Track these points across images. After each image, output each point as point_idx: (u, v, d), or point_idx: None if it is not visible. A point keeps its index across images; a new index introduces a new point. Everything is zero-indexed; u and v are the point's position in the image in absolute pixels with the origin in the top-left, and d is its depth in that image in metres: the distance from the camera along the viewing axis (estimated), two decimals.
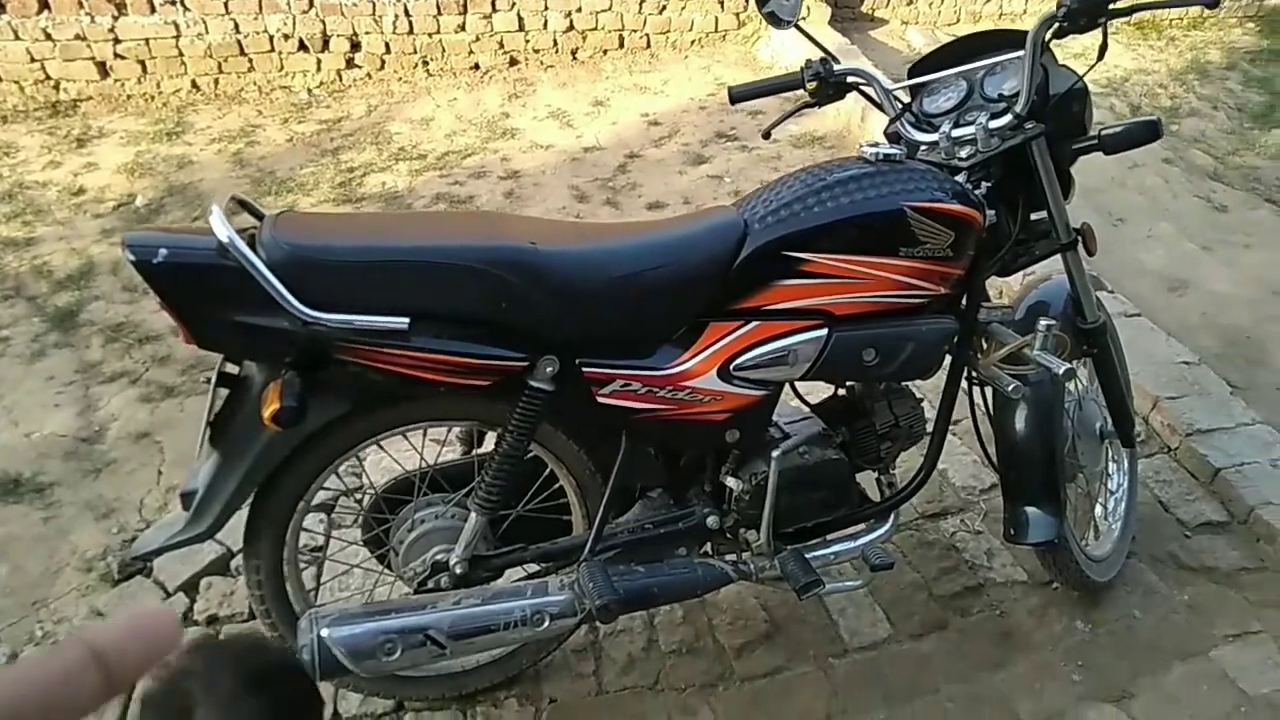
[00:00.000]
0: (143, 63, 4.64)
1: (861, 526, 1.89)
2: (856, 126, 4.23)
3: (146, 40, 4.58)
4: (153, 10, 4.54)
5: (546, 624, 1.58)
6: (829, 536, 1.86)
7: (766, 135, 2.06)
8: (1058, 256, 1.89)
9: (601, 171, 4.20)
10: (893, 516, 1.90)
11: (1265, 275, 3.49)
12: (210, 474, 1.52)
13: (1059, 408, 1.91)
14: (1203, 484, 2.46)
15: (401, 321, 1.38)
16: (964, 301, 1.76)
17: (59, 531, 2.39)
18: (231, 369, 1.54)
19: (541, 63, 5.18)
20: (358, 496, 1.83)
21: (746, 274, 1.58)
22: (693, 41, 5.37)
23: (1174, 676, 2.00)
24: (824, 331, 1.63)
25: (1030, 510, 1.90)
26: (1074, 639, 2.08)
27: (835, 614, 2.11)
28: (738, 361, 1.60)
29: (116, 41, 4.54)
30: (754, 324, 1.60)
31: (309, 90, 4.89)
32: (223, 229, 1.34)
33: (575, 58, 5.21)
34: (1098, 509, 2.25)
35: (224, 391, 1.52)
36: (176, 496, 2.51)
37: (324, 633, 1.47)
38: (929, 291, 1.66)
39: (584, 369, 1.54)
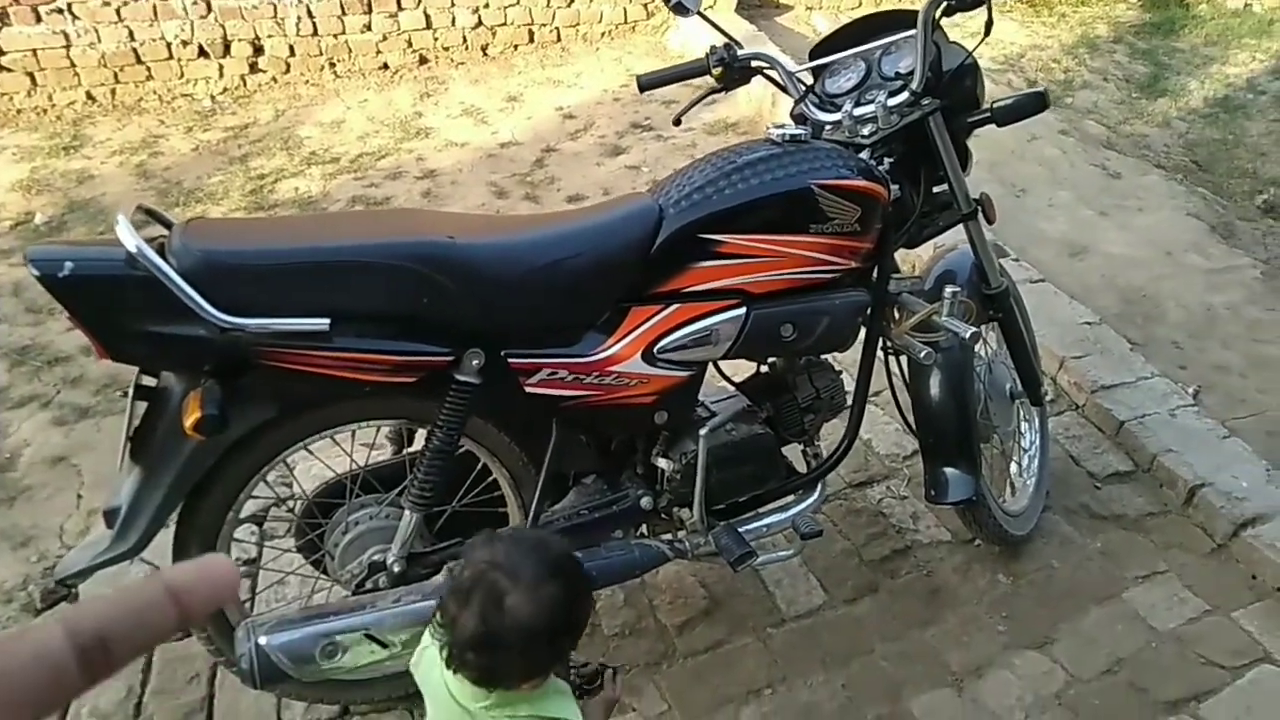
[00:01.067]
0: (31, 74, 4.45)
1: (791, 498, 1.94)
2: (768, 111, 4.31)
3: (34, 51, 4.40)
4: (38, 19, 4.36)
5: None
6: (760, 510, 1.92)
7: (677, 122, 2.10)
8: (962, 227, 1.97)
9: (519, 167, 4.19)
10: (820, 486, 1.96)
11: (1157, 236, 3.67)
12: (133, 489, 1.49)
13: (970, 371, 1.99)
14: (1109, 437, 2.59)
15: (322, 323, 1.38)
16: (875, 275, 1.82)
17: None
18: (149, 381, 1.51)
19: (452, 60, 5.14)
20: (289, 505, 1.81)
21: (664, 258, 1.61)
22: (603, 34, 5.38)
23: (1091, 619, 2.11)
24: (742, 310, 1.67)
25: (948, 471, 1.98)
26: (997, 592, 2.18)
27: (771, 586, 2.16)
28: (661, 344, 1.64)
29: (0, 53, 4.35)
30: (674, 306, 1.64)
31: (212, 97, 4.76)
32: (130, 238, 1.32)
33: (486, 54, 5.18)
34: (1013, 467, 2.35)
35: (142, 405, 1.49)
36: (99, 518, 2.48)
37: (262, 640, 1.46)
38: (840, 266, 1.72)
39: (510, 360, 1.55)
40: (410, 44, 5.01)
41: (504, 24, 5.15)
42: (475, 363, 1.52)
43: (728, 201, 1.62)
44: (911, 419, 2.05)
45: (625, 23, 5.42)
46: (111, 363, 1.39)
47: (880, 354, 1.93)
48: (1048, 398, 2.45)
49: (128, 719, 1.88)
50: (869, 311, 1.82)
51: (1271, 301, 3.29)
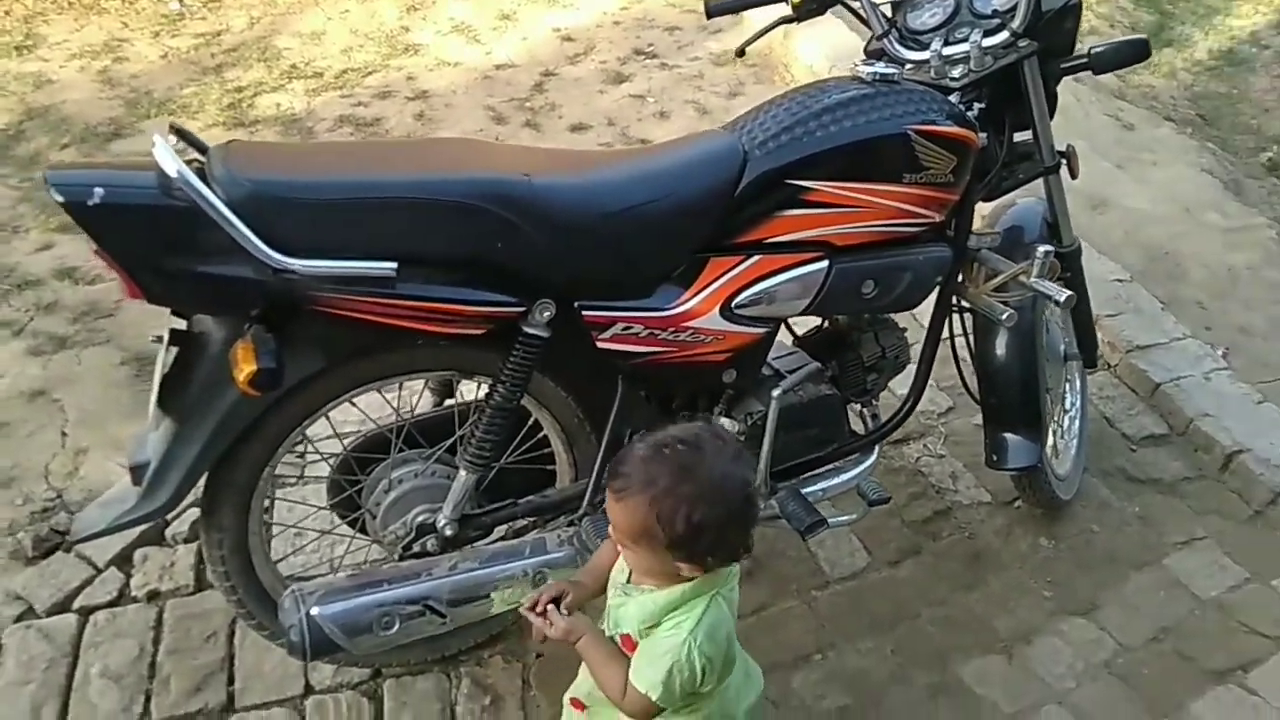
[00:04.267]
0: None
1: (844, 461, 1.85)
2: (779, 45, 4.12)
3: None
4: None
5: (550, 582, 1.49)
6: (815, 473, 1.82)
7: (741, 53, 1.94)
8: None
9: (517, 91, 3.96)
10: (876, 449, 1.87)
11: (1174, 192, 3.61)
12: (164, 443, 1.35)
13: (1039, 335, 1.91)
14: (1143, 399, 2.55)
15: (389, 267, 1.23)
16: (952, 229, 1.71)
17: None
18: (179, 323, 1.35)
19: None
20: (321, 456, 1.66)
21: (748, 205, 1.48)
22: None
23: (1133, 585, 2.09)
24: (824, 264, 1.56)
25: (1011, 436, 1.91)
26: (1040, 556, 2.14)
27: (814, 547, 2.09)
28: (740, 298, 1.52)
29: None
30: (756, 258, 1.52)
31: (180, 0, 4.41)
32: (170, 162, 1.15)
33: None
34: (1053, 428, 2.29)
35: (174, 350, 1.33)
36: (85, 460, 2.30)
37: (314, 610, 1.34)
38: (926, 219, 1.61)
39: (583, 313, 1.42)
40: None
41: None
42: (545, 315, 1.39)
43: (819, 145, 1.49)
44: (971, 381, 1.97)
45: None
46: (146, 303, 1.23)
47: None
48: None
49: (141, 679, 1.75)
50: (946, 270, 1.71)
51: None
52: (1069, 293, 1.61)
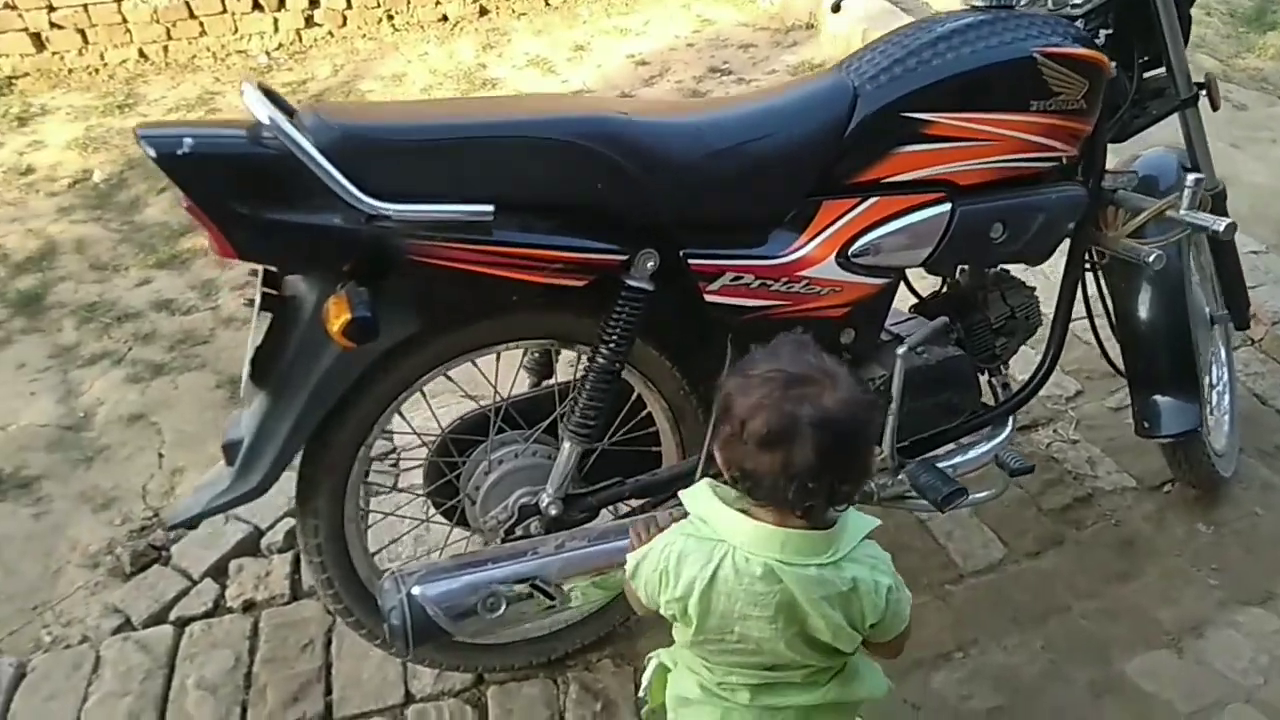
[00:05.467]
0: (82, 32, 4.26)
1: (976, 435, 1.69)
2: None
3: (85, 7, 4.21)
4: None
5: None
6: (946, 449, 1.66)
7: (836, 8, 1.84)
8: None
9: None
10: (1011, 421, 1.71)
11: None
12: (258, 417, 1.28)
13: (1187, 283, 1.72)
14: None
15: (486, 210, 1.14)
16: (1081, 170, 1.56)
17: (53, 528, 2.12)
18: (273, 291, 1.29)
19: (513, 10, 4.89)
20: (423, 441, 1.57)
21: (861, 141, 1.37)
22: None
23: None
24: (948, 206, 1.43)
25: (1163, 400, 1.72)
26: (1200, 542, 1.92)
27: (942, 538, 1.91)
28: (857, 245, 1.39)
29: (51, 10, 4.16)
30: (873, 200, 1.39)
31: (267, 53, 4.55)
32: (261, 108, 1.10)
33: (548, 4, 4.92)
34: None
35: (267, 318, 1.27)
36: (182, 479, 2.28)
37: (415, 591, 1.24)
38: (1059, 152, 1.47)
39: (690, 261, 1.31)
40: None
41: None
42: (650, 264, 1.29)
43: (936, 74, 1.37)
44: (1109, 347, 1.79)
45: None
46: (238, 261, 1.18)
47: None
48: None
49: (237, 689, 1.67)
50: (1082, 213, 1.56)
51: None
52: (1229, 220, 1.44)
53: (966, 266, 1.64)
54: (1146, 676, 1.66)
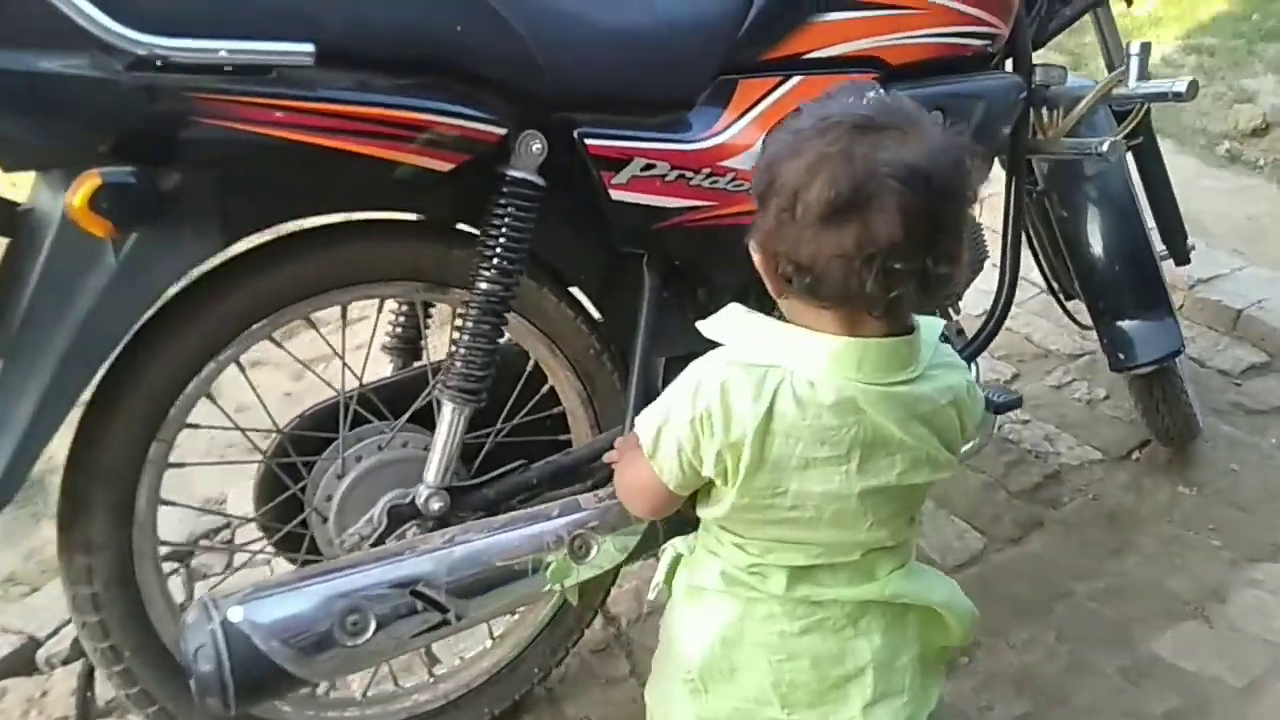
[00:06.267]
0: None
1: None
2: None
3: None
4: None
5: (593, 554, 1.00)
6: None
7: None
8: None
9: None
10: (973, 366, 1.45)
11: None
12: None
13: (1132, 185, 1.56)
14: (1225, 331, 2.20)
15: (304, 48, 0.82)
16: (1012, 65, 1.39)
17: None
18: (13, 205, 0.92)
19: None
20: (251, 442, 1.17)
21: (777, 6, 1.13)
22: None
23: None
24: (880, 89, 1.20)
25: (1136, 324, 1.53)
26: (1186, 505, 1.70)
27: None
28: None
29: None
30: (796, 79, 1.15)
31: None
32: None
33: None
34: None
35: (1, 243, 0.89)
36: None
37: (235, 616, 0.83)
38: (990, 27, 1.28)
39: (587, 143, 1.02)
40: None
41: None
42: (536, 148, 0.99)
43: None
44: (1061, 282, 1.60)
45: None
46: None
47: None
48: None
49: None
50: (1018, 111, 1.37)
51: None
52: (1189, 79, 1.27)
53: None
54: (1182, 654, 1.38)
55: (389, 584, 0.89)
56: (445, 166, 0.94)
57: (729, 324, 0.81)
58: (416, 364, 1.27)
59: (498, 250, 1.01)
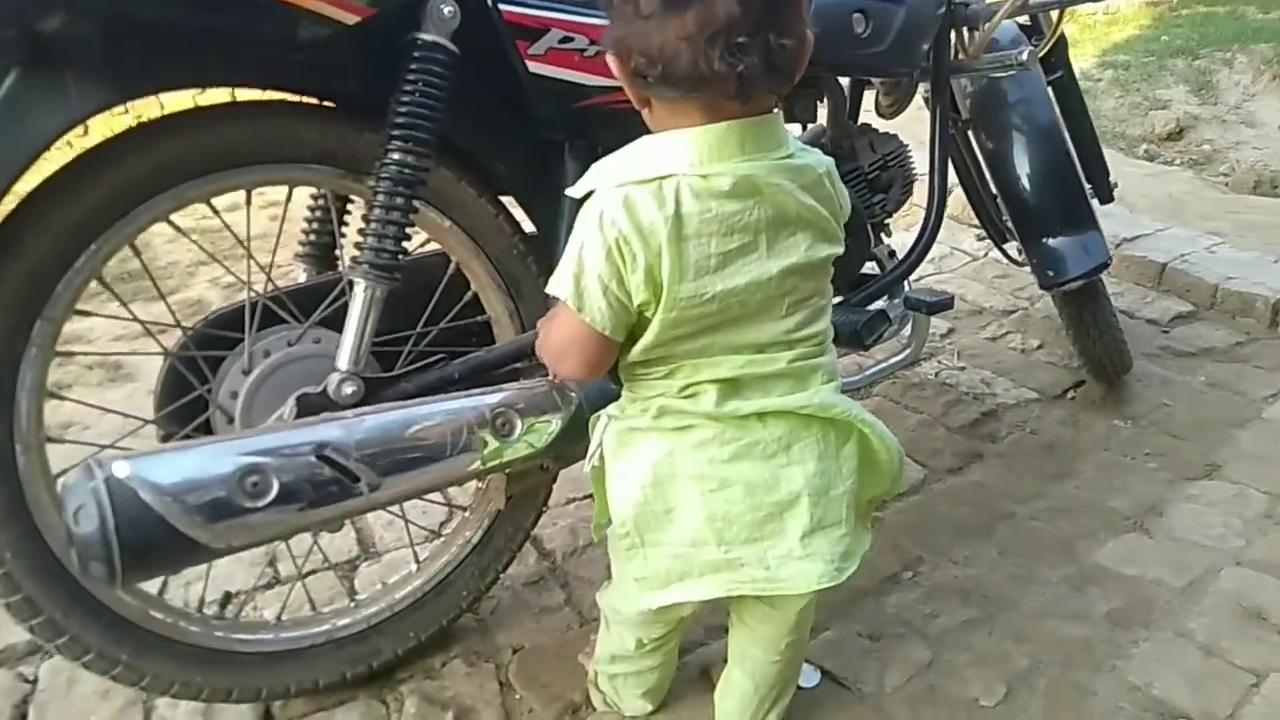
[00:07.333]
0: None
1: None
2: None
3: None
4: None
5: (517, 430, 0.95)
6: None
7: None
8: None
9: None
10: (905, 287, 1.45)
11: None
12: None
13: (1050, 99, 1.58)
14: (1151, 285, 2.24)
15: None
16: None
17: None
18: None
19: None
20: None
21: None
22: None
23: (1246, 441, 1.67)
24: None
25: (1063, 240, 1.54)
26: (1122, 435, 1.71)
27: None
28: None
29: None
30: None
31: None
32: None
33: None
34: None
35: None
36: None
37: (119, 472, 0.76)
38: None
39: (501, 8, 0.99)
40: None
41: None
42: (447, 10, 0.95)
43: None
44: (996, 224, 1.62)
45: None
46: None
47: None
48: None
49: None
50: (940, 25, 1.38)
51: None
52: None
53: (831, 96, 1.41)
54: (1125, 562, 1.37)
55: (294, 446, 0.83)
56: (351, 19, 0.90)
57: (602, 167, 0.81)
58: (329, 275, 1.21)
59: (409, 116, 0.97)
